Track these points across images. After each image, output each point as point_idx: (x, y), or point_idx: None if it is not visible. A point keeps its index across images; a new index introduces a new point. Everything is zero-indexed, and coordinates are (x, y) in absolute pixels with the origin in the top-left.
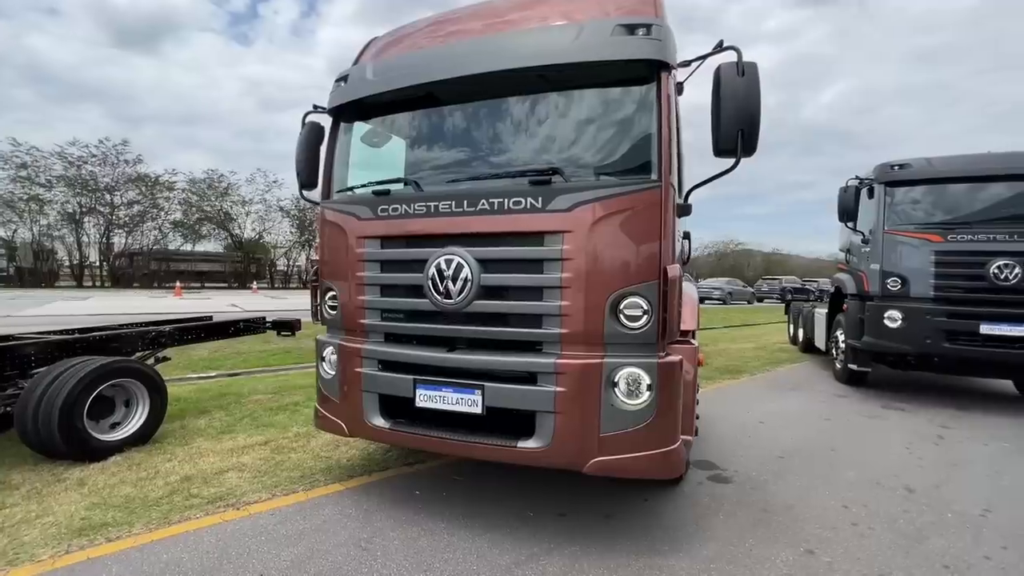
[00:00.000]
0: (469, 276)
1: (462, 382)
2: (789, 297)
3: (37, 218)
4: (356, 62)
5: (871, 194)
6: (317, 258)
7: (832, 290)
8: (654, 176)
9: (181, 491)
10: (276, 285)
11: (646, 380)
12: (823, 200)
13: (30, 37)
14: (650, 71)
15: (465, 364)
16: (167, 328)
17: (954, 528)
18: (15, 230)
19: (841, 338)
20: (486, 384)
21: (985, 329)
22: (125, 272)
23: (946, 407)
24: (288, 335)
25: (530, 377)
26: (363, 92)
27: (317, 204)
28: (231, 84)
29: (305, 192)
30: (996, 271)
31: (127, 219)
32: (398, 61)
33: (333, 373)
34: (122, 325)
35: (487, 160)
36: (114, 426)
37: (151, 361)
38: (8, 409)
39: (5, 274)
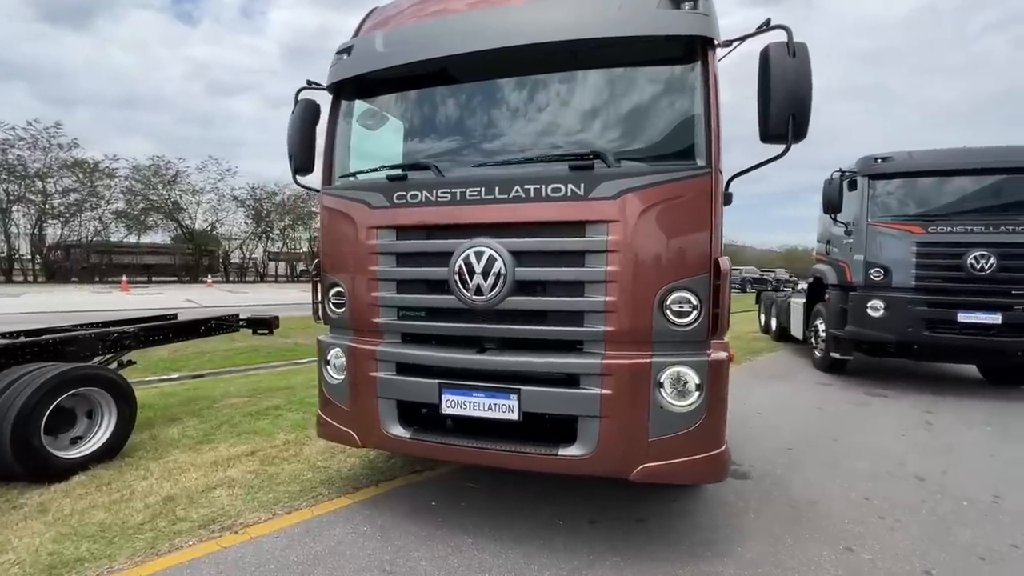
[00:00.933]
0: (502, 270)
1: (496, 386)
2: (755, 288)
3: None
4: (357, 33)
5: (852, 187)
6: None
7: (811, 280)
8: (703, 162)
9: (165, 514)
10: (231, 279)
11: (695, 380)
12: (774, 193)
13: None
14: (696, 49)
15: (500, 366)
16: (131, 329)
17: (974, 517)
18: None
19: (821, 327)
20: (523, 388)
21: (963, 317)
22: (61, 266)
23: (923, 393)
24: (265, 333)
25: (570, 379)
26: (374, 65)
27: (314, 191)
28: (175, 66)
29: (299, 177)
30: (973, 262)
31: (62, 208)
32: (415, 31)
33: (341, 378)
34: (77, 326)
35: (513, 143)
36: (75, 441)
37: (114, 366)
38: None
39: None
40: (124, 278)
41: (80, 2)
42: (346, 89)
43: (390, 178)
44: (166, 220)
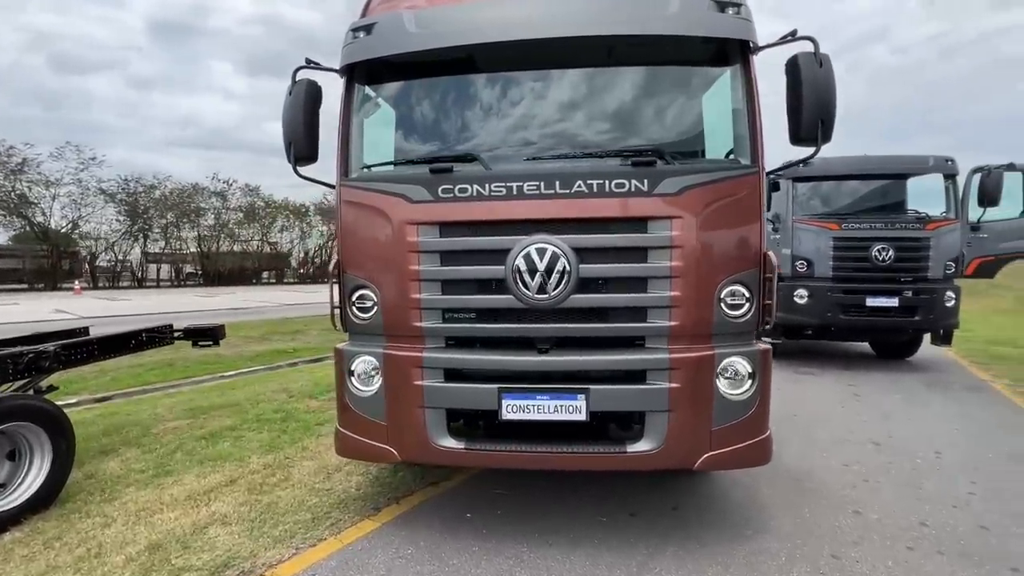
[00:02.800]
0: (567, 267)
1: (562, 387)
2: None
3: None
4: (366, 10)
5: (775, 188)
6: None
7: None
8: (750, 160)
9: (160, 567)
10: (100, 284)
11: (748, 369)
12: None
13: None
14: (738, 52)
15: (569, 367)
16: (50, 347)
17: (932, 472)
18: None
19: None
20: (591, 387)
21: (870, 302)
22: None
23: (839, 369)
24: (208, 345)
25: (635, 375)
26: (405, 47)
27: (322, 184)
28: (8, 35)
29: (301, 168)
30: (876, 254)
31: None
32: (452, 13)
33: (372, 389)
34: None
35: (556, 137)
36: None
37: (30, 393)
38: None
39: None
40: None
41: None
42: (364, 72)
43: (433, 171)
44: (9, 216)
